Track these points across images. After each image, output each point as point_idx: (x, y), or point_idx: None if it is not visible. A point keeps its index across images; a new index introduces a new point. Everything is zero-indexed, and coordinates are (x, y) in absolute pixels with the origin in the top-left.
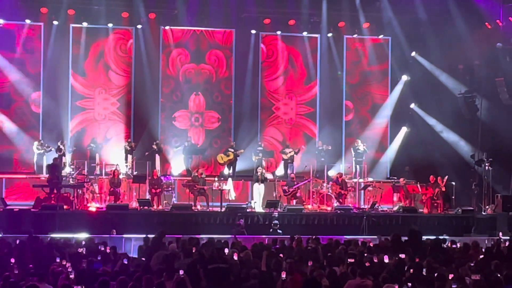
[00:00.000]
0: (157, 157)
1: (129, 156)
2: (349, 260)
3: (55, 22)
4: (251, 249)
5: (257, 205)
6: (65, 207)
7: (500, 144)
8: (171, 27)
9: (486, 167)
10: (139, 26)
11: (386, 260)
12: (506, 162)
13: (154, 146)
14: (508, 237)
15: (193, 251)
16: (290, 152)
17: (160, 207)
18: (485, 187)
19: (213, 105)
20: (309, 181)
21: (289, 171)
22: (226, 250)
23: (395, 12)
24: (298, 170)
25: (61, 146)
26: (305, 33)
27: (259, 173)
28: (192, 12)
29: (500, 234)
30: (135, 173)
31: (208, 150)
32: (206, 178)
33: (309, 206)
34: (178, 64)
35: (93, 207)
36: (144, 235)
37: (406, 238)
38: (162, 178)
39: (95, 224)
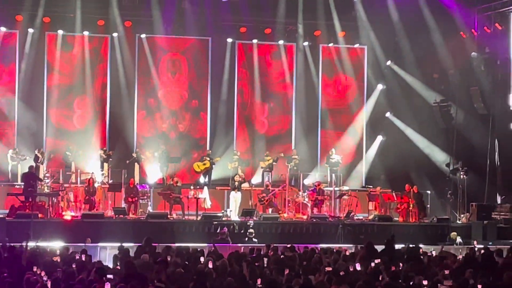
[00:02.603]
0: (136, 166)
1: (105, 165)
2: (326, 268)
3: (31, 30)
4: (228, 258)
5: (233, 213)
6: (40, 215)
7: (475, 153)
8: (147, 35)
9: (461, 176)
10: (114, 34)
11: (358, 267)
12: (480, 171)
13: (134, 155)
14: (483, 246)
15: (168, 259)
16: (268, 160)
17: (136, 215)
18: (460, 195)
19: (189, 113)
20: (283, 189)
21: (265, 180)
22: (202, 259)
23: (370, 21)
24: (274, 179)
25: (38, 154)
26: (281, 42)
27: (236, 181)
28: (168, 20)
29: (475, 242)
30: (110, 181)
31: (184, 159)
32: (182, 187)
33: (285, 215)
34: (154, 72)
35: (68, 215)
36: (119, 244)
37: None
38: (138, 186)
39: (70, 232)
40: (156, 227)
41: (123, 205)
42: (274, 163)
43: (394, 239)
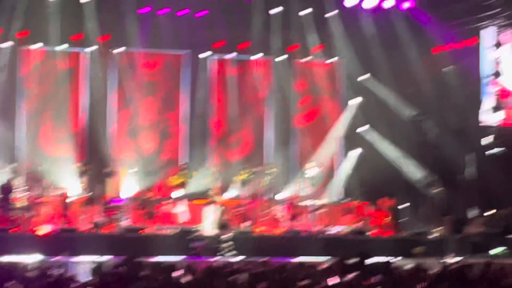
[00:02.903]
0: (112, 180)
1: (81, 179)
2: (301, 283)
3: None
4: (203, 272)
5: (208, 227)
6: (14, 229)
7: (449, 167)
8: (123, 50)
9: (436, 190)
10: (90, 49)
11: (333, 281)
12: (455, 185)
13: (108, 170)
14: (457, 260)
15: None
16: (244, 174)
17: (111, 229)
18: (434, 209)
19: (165, 127)
20: (259, 202)
21: (241, 193)
22: (176, 273)
23: (346, 36)
24: (249, 192)
25: (12, 168)
26: (257, 57)
27: (212, 195)
28: (144, 35)
29: (449, 256)
30: (86, 195)
31: (160, 172)
32: (158, 201)
33: (260, 229)
34: (130, 86)
35: (43, 229)
36: (94, 258)
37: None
38: (113, 200)
39: (45, 246)
40: (132, 241)
41: (99, 219)
42: (249, 177)
43: (367, 252)
